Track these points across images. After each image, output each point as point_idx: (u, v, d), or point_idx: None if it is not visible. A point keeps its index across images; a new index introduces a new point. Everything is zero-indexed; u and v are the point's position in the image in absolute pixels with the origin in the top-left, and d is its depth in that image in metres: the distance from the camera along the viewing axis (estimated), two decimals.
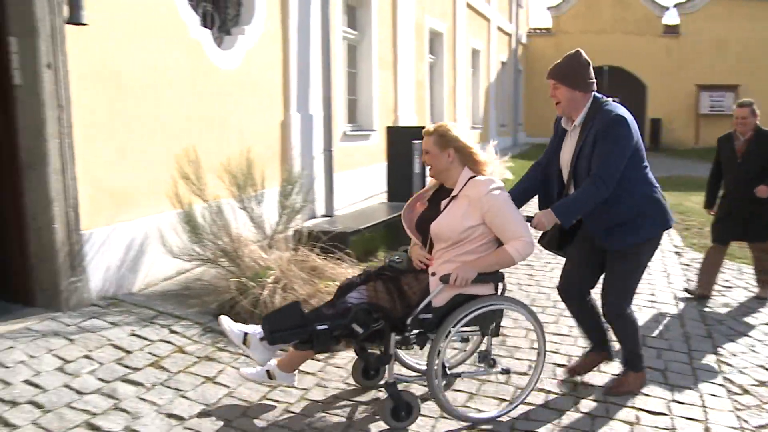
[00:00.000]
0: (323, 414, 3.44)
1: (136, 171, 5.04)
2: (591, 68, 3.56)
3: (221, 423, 3.28)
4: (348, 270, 4.91)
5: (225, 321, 3.41)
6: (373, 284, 3.34)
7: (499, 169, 3.46)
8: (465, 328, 3.30)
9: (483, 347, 3.54)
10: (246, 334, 3.33)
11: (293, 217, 5.52)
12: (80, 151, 4.50)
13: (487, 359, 3.46)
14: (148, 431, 3.16)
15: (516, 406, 3.52)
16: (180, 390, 3.58)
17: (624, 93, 11.23)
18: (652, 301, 5.58)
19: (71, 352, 3.79)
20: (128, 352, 3.91)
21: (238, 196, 5.32)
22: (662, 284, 6.14)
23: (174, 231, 5.02)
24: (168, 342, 4.13)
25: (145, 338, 4.12)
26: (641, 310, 5.25)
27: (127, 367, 3.74)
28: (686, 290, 5.88)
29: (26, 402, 3.26)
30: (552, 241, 3.77)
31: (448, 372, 3.49)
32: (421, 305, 3.19)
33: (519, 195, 3.66)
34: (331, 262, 4.96)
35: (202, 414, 3.35)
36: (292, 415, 3.41)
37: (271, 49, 6.93)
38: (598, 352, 3.95)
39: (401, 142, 7.63)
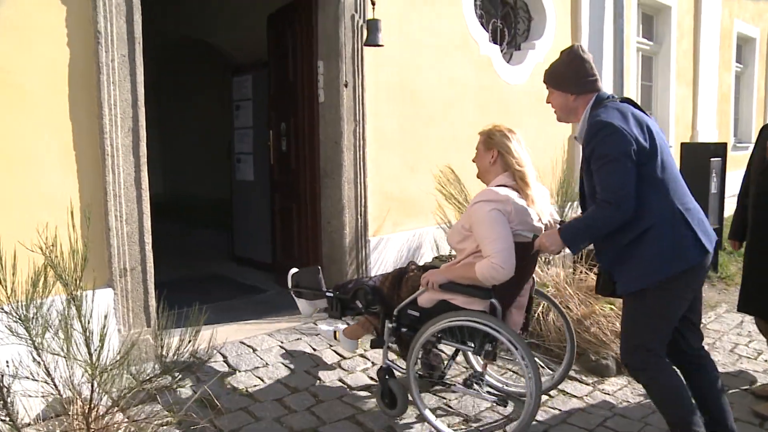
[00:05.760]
0: None
1: (420, 182, 5.32)
2: (589, 64, 2.90)
3: None
4: None
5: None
6: (390, 273, 3.53)
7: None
8: (455, 343, 3.12)
9: (479, 368, 3.43)
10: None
11: None
12: (371, 163, 4.89)
13: (477, 381, 3.21)
14: None
15: None
16: None
17: None
18: None
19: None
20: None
21: None
22: None
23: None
24: None
25: None
26: None
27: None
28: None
29: (304, 389, 3.63)
30: (606, 286, 3.00)
31: (443, 381, 3.43)
32: (407, 300, 3.24)
33: None
34: None
35: None
36: None
37: None
38: None
39: (697, 160, 6.97)
